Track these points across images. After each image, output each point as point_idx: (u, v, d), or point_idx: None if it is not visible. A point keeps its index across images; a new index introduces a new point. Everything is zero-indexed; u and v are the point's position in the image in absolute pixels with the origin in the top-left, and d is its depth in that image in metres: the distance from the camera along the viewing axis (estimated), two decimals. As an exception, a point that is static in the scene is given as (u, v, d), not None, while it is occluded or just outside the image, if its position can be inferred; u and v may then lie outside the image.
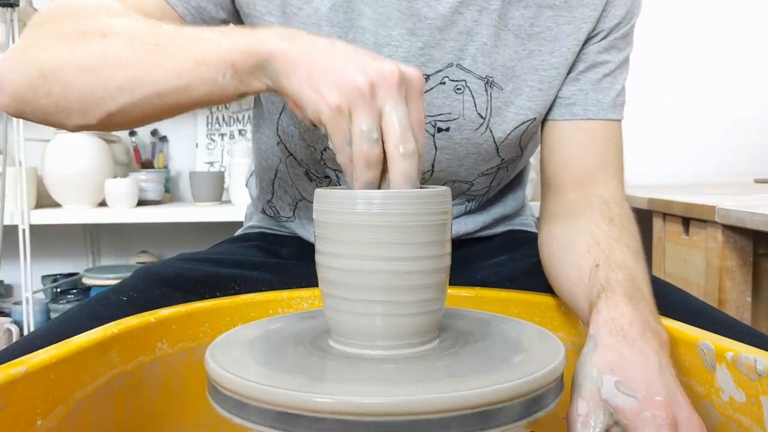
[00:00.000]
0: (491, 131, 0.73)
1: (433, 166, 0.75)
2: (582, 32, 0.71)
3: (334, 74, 0.45)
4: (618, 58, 0.73)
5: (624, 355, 0.44)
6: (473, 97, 0.71)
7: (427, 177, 0.76)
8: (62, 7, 0.60)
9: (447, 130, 0.72)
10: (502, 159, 0.77)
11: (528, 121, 0.73)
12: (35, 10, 2.03)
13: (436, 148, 0.73)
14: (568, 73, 0.73)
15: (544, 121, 0.75)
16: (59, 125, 0.59)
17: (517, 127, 0.73)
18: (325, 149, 0.75)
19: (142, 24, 0.56)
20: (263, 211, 0.91)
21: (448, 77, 0.70)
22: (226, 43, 0.51)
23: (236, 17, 0.71)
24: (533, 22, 0.71)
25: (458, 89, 0.70)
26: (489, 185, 0.82)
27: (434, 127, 0.72)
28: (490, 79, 0.71)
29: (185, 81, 0.51)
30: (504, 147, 0.75)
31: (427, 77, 0.69)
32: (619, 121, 0.74)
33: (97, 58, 0.54)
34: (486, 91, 0.71)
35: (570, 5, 0.71)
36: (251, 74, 0.50)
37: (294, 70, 0.47)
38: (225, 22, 0.70)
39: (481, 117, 0.72)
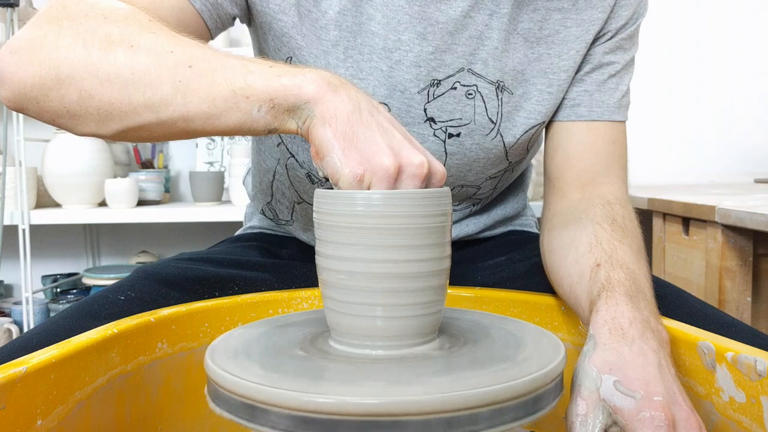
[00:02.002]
0: (502, 136, 0.72)
1: None
2: (590, 34, 0.71)
3: (367, 145, 0.45)
4: (624, 59, 0.73)
5: (623, 355, 0.44)
6: (484, 102, 0.70)
7: None
8: (76, 3, 0.56)
9: (458, 135, 0.71)
10: (510, 162, 0.77)
11: (537, 125, 0.73)
12: (35, 10, 2.03)
13: (446, 154, 0.72)
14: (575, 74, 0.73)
15: (549, 121, 0.75)
16: (66, 129, 0.56)
17: (527, 131, 0.73)
18: None
19: (173, 39, 0.52)
20: (263, 213, 0.91)
21: (459, 82, 0.69)
22: (267, 76, 0.48)
23: (247, 15, 0.70)
24: (542, 26, 0.70)
25: (469, 94, 0.70)
26: (494, 187, 0.82)
27: (445, 132, 0.71)
28: (501, 83, 0.70)
29: (217, 108, 0.49)
30: (513, 151, 0.75)
31: (438, 82, 0.69)
32: (624, 122, 0.74)
33: (124, 70, 0.51)
34: (497, 95, 0.70)
35: (578, 8, 0.70)
36: (287, 113, 0.48)
37: (331, 122, 0.46)
38: (235, 19, 0.69)
39: (492, 122, 0.71)
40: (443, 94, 0.69)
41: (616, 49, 0.73)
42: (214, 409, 0.40)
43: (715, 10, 2.03)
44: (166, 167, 2.19)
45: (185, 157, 2.22)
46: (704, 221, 1.18)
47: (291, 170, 0.80)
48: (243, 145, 1.93)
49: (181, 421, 0.59)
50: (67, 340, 0.48)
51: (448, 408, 0.36)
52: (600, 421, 0.42)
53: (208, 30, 0.66)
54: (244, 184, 0.98)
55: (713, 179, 2.04)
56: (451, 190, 0.76)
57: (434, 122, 0.70)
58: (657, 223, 1.40)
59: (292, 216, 0.85)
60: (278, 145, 0.78)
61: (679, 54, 2.04)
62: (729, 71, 2.05)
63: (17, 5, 1.76)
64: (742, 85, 2.05)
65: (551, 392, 0.40)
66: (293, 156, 0.77)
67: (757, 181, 1.93)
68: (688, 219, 1.25)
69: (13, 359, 0.43)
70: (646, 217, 1.37)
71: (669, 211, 1.33)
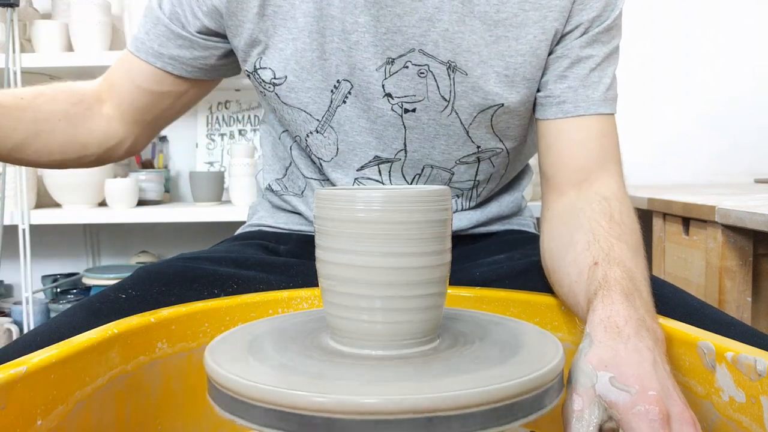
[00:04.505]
0: (457, 113, 0.75)
1: (405, 145, 0.78)
2: (548, 20, 0.72)
3: None
4: (603, 52, 0.73)
5: (618, 352, 0.44)
6: (436, 81, 0.74)
7: (401, 157, 0.79)
8: None
9: (414, 111, 0.75)
10: (478, 147, 0.78)
11: (495, 106, 0.75)
12: (35, 10, 2.03)
13: (405, 127, 0.76)
14: (546, 71, 0.74)
15: (538, 121, 0.76)
16: None
17: (483, 111, 0.75)
18: (309, 135, 0.79)
19: None
20: (269, 188, 0.91)
21: (410, 61, 0.73)
22: None
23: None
24: (499, 9, 0.72)
25: (421, 73, 0.73)
26: (474, 179, 0.82)
27: (401, 108, 0.75)
28: (453, 63, 0.73)
29: None
30: (474, 131, 0.77)
31: (392, 60, 0.73)
32: (612, 114, 0.74)
33: None
34: (449, 75, 0.73)
35: None
36: None
37: None
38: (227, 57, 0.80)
39: (445, 100, 0.75)
40: (397, 72, 0.73)
41: (593, 43, 0.73)
42: (215, 409, 0.40)
43: (713, 8, 2.04)
44: (166, 167, 2.19)
45: (185, 157, 2.22)
46: (704, 221, 1.18)
47: (300, 151, 0.85)
48: (243, 145, 1.93)
49: (181, 421, 0.59)
50: (67, 340, 0.48)
51: (448, 407, 0.36)
52: (596, 416, 0.42)
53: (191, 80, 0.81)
54: (257, 179, 0.99)
55: (713, 179, 2.04)
56: (421, 170, 0.80)
57: (391, 98, 0.75)
58: (657, 223, 1.40)
59: (302, 193, 0.89)
60: (285, 132, 0.85)
61: (679, 54, 2.04)
62: (729, 71, 2.05)
63: (17, 5, 1.76)
64: (742, 85, 2.05)
65: (551, 392, 0.40)
66: (312, 154, 0.82)
67: (757, 181, 1.93)
68: (688, 219, 1.26)
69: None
70: (646, 217, 1.37)
71: (669, 211, 1.34)
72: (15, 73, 1.80)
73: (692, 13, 2.03)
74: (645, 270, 0.57)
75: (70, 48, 1.91)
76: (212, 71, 0.81)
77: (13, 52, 1.78)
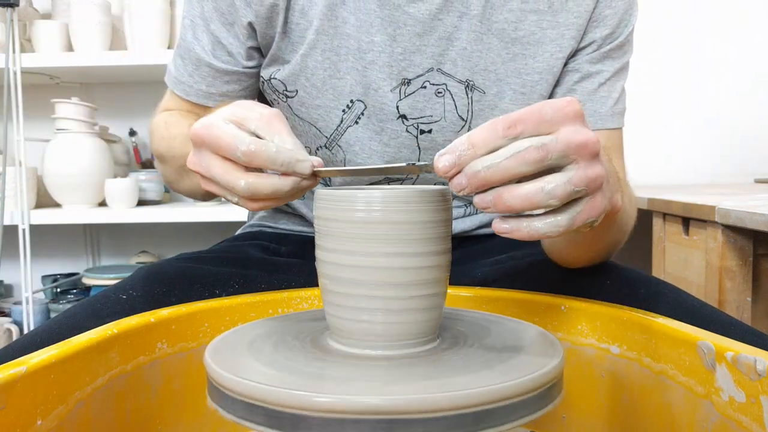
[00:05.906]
0: None
1: None
2: (565, 38, 0.72)
3: None
4: (613, 67, 0.74)
5: None
6: (454, 100, 0.73)
7: (414, 178, 0.78)
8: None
9: (429, 132, 0.74)
10: None
11: None
12: (35, 10, 2.03)
13: (419, 149, 0.76)
14: (556, 84, 0.74)
15: None
16: None
17: None
18: (318, 149, 0.78)
19: None
20: None
21: (428, 81, 0.72)
22: None
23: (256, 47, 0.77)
24: (517, 26, 0.72)
25: (439, 93, 0.73)
26: None
27: (417, 129, 0.74)
28: (471, 82, 0.73)
29: None
30: None
31: (409, 81, 0.72)
32: (620, 128, 0.74)
33: None
34: (466, 94, 0.73)
35: (554, 10, 0.72)
36: None
37: None
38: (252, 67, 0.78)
39: (462, 119, 0.74)
40: (414, 92, 0.72)
41: (604, 59, 0.74)
42: (215, 409, 0.40)
43: (715, 13, 2.04)
44: (166, 167, 2.19)
45: (185, 157, 2.22)
46: (704, 221, 1.18)
47: None
48: (243, 145, 1.93)
49: (181, 421, 0.59)
50: (67, 340, 0.48)
51: (448, 407, 0.36)
52: None
53: None
54: None
55: (713, 179, 2.04)
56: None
57: (406, 119, 0.74)
58: (657, 223, 1.40)
59: (304, 195, 0.88)
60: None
61: (680, 56, 2.04)
62: (729, 72, 2.05)
63: (17, 5, 1.76)
64: (742, 85, 2.05)
65: (551, 392, 0.40)
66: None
67: (757, 181, 1.93)
68: (688, 219, 1.25)
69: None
70: (646, 217, 1.37)
71: (669, 211, 1.33)
72: (15, 73, 1.80)
73: (702, 24, 2.04)
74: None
75: (70, 48, 1.91)
76: (257, 93, 0.82)
77: (13, 52, 1.78)
